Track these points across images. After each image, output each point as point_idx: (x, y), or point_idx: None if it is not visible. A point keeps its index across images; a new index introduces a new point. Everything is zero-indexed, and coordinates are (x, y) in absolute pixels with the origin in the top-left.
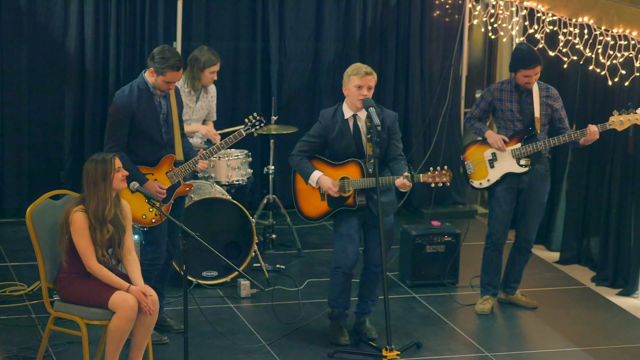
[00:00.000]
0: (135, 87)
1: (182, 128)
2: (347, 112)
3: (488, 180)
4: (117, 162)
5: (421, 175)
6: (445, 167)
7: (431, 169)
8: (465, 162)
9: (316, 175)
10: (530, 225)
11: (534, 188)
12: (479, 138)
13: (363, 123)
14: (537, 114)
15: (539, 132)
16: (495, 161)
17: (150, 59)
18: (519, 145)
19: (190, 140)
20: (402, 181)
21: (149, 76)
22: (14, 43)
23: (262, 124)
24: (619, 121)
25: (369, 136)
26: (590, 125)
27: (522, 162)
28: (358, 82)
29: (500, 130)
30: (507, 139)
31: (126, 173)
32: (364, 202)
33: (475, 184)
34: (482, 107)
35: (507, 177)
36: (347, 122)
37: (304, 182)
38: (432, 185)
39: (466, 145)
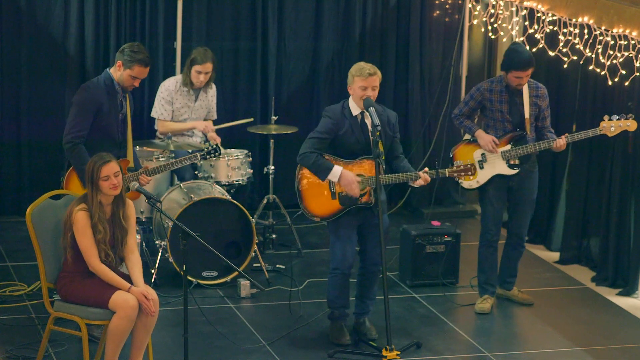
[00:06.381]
0: (102, 81)
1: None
2: (355, 110)
3: (477, 181)
4: (105, 170)
5: (447, 170)
6: (469, 160)
7: (456, 162)
8: (455, 162)
9: (338, 169)
10: (522, 222)
11: (523, 185)
12: (467, 137)
13: (370, 121)
14: (526, 114)
15: (528, 132)
16: (484, 162)
17: (120, 52)
18: (509, 147)
19: (190, 138)
20: (424, 177)
21: (114, 72)
22: (14, 43)
23: (217, 153)
24: (610, 127)
25: (377, 133)
26: (557, 139)
27: (512, 162)
28: (362, 83)
29: (488, 129)
30: (497, 141)
31: (115, 182)
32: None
33: (465, 184)
34: (471, 106)
35: (496, 177)
36: (356, 119)
37: (309, 181)
38: (457, 179)
39: (455, 144)
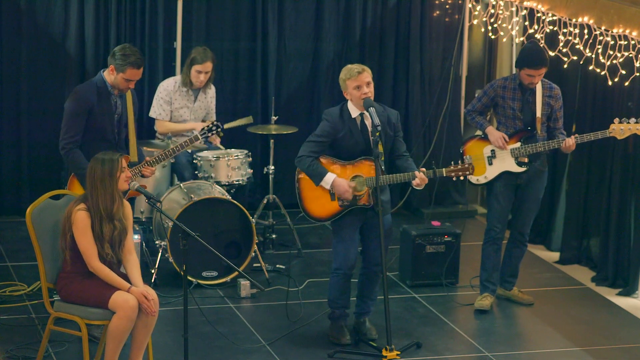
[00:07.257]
0: (94, 84)
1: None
2: (354, 112)
3: (485, 177)
4: (123, 162)
5: (444, 169)
6: (466, 158)
7: (452, 162)
8: (465, 157)
9: (330, 177)
10: (526, 220)
11: (531, 184)
12: (478, 133)
13: (370, 122)
14: (538, 113)
15: (539, 132)
16: (493, 158)
17: (111, 57)
18: (518, 144)
19: None
20: (420, 176)
21: (107, 75)
22: (14, 43)
23: (218, 129)
24: (619, 130)
25: (377, 134)
26: (567, 139)
27: (521, 160)
28: (355, 83)
29: (500, 126)
30: (507, 138)
31: (129, 174)
32: (375, 200)
33: (473, 179)
34: (484, 102)
35: (505, 174)
36: (355, 121)
37: (309, 183)
38: (454, 178)
39: (466, 139)
